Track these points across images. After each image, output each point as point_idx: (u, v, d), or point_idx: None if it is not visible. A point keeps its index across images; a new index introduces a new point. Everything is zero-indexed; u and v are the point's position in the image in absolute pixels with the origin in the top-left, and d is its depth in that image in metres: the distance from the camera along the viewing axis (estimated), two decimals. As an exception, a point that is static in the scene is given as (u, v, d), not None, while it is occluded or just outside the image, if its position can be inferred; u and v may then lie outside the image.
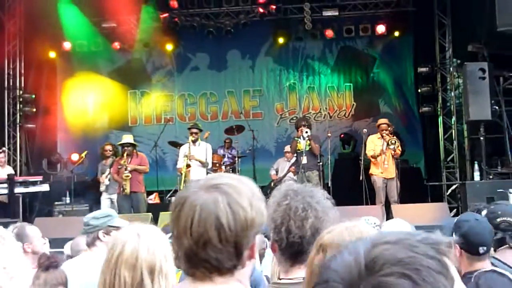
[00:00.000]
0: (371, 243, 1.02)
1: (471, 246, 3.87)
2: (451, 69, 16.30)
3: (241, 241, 1.77)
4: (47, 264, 3.51)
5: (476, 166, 13.00)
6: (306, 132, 12.95)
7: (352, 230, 2.20)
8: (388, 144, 12.82)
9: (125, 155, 12.71)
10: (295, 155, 13.46)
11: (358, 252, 1.01)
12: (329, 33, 17.40)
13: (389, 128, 13.21)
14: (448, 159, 16.39)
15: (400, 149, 13.19)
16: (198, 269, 1.77)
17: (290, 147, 13.72)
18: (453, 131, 16.23)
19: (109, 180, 13.74)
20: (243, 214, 1.77)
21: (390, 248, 1.00)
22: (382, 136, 12.98)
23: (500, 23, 10.92)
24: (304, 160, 12.93)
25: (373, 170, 13.02)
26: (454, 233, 3.94)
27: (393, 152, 12.84)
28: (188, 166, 12.94)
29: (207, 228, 1.73)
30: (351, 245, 1.04)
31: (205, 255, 1.75)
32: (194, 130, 13.26)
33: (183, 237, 1.76)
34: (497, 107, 12.99)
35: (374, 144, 13.08)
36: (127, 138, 13.07)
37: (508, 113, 13.32)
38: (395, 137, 13.09)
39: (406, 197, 12.84)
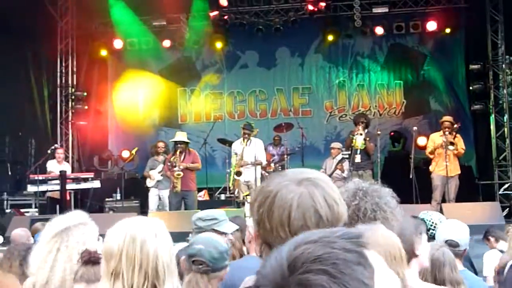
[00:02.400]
0: (294, 245, 1.08)
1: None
2: (503, 66, 16.05)
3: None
4: (87, 258, 3.56)
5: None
6: (363, 129, 12.86)
7: (368, 235, 2.19)
8: (446, 145, 12.56)
9: (177, 152, 12.75)
10: (348, 152, 13.38)
11: (281, 255, 1.07)
12: (379, 30, 17.28)
13: (454, 126, 12.90)
14: (501, 157, 16.15)
15: (464, 148, 12.94)
16: None
17: (345, 142, 13.62)
18: (506, 129, 15.98)
19: (162, 176, 13.86)
20: (336, 207, 1.78)
21: (310, 247, 1.06)
22: (444, 134, 12.73)
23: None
24: (357, 158, 12.84)
25: (433, 167, 12.81)
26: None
27: (455, 151, 12.61)
28: (238, 173, 12.98)
29: (307, 220, 1.72)
30: (277, 250, 1.09)
31: None
32: (246, 131, 13.22)
33: (279, 230, 1.74)
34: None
35: (434, 142, 12.83)
36: (180, 136, 13.11)
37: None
38: (457, 137, 12.79)
39: (458, 196, 12.68)
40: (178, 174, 12.51)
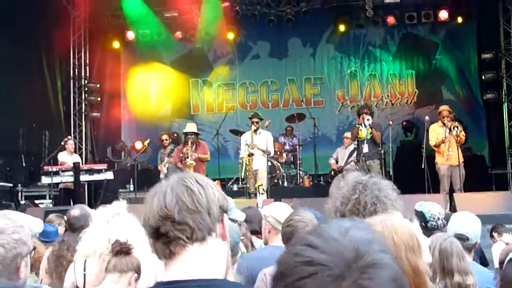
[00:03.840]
0: (340, 229, 1.13)
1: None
2: (516, 55, 15.98)
3: (212, 208, 1.88)
4: (118, 249, 3.63)
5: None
6: (368, 119, 12.84)
7: (386, 223, 2.23)
8: (450, 130, 12.60)
9: (189, 143, 12.84)
10: (355, 142, 13.40)
11: (335, 238, 1.11)
12: (391, 19, 17.24)
13: (451, 115, 12.98)
14: (514, 146, 16.10)
15: (464, 135, 12.97)
16: (173, 239, 1.85)
17: (351, 134, 13.65)
18: (518, 118, 15.93)
19: (167, 168, 13.92)
20: (208, 187, 1.90)
21: (359, 232, 1.13)
22: (444, 124, 12.78)
23: None
24: (365, 148, 12.83)
25: (438, 159, 12.83)
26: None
27: (456, 138, 12.62)
28: (250, 155, 13.04)
29: (180, 195, 1.85)
30: (317, 237, 1.12)
31: (180, 217, 1.84)
32: (255, 120, 13.32)
33: (157, 212, 1.86)
34: None
35: (436, 133, 12.87)
36: (191, 127, 13.22)
37: None
38: (456, 123, 12.86)
39: (470, 185, 12.66)
40: (191, 163, 12.60)
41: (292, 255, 1.11)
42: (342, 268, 1.05)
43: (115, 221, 3.88)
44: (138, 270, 3.68)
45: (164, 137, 14.85)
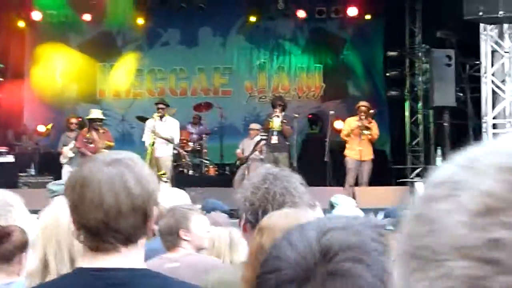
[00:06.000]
0: (320, 229, 1.07)
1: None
2: (419, 54, 16.44)
3: (148, 209, 1.86)
4: None
5: (439, 152, 13.20)
6: (279, 111, 13.00)
7: (290, 216, 2.28)
8: (361, 130, 12.86)
9: (94, 129, 12.67)
10: (263, 134, 13.52)
11: (309, 239, 1.05)
12: (301, 13, 17.42)
13: (369, 112, 13.24)
14: (414, 143, 16.60)
15: (377, 133, 13.27)
16: (106, 240, 1.84)
17: (263, 125, 13.76)
18: (419, 115, 16.43)
19: (73, 152, 13.67)
20: (146, 184, 1.87)
21: (340, 234, 1.06)
22: (360, 119, 13.03)
23: (467, 12, 11.06)
24: (274, 139, 12.98)
25: (347, 151, 13.07)
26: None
27: (369, 136, 12.91)
28: (153, 144, 12.97)
29: (118, 198, 1.81)
30: (297, 233, 1.08)
31: (116, 224, 1.82)
32: (161, 106, 13.29)
33: (92, 212, 1.82)
34: (462, 94, 13.19)
35: (349, 126, 13.11)
36: (96, 113, 13.03)
37: (472, 100, 13.50)
38: (372, 124, 13.11)
39: (372, 179, 12.99)
40: (103, 152, 12.42)
41: (272, 246, 1.10)
42: (305, 270, 1.02)
43: None
44: (23, 248, 3.56)
45: (73, 120, 14.57)
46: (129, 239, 1.85)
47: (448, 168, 0.60)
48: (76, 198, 1.85)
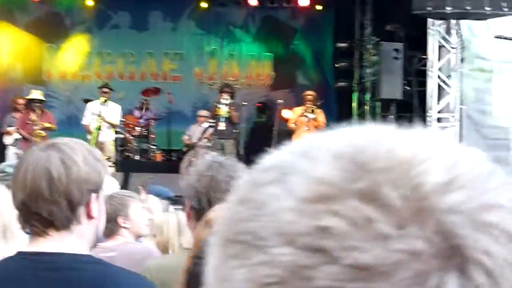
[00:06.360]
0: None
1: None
2: (368, 46, 16.58)
3: (73, 195, 1.85)
4: None
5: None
6: (226, 98, 12.98)
7: None
8: (306, 114, 12.98)
9: (36, 111, 12.48)
10: (211, 121, 13.51)
11: None
12: (252, 1, 17.38)
13: (315, 101, 13.36)
14: (360, 134, 16.75)
15: (324, 121, 13.37)
16: (32, 224, 1.86)
17: (210, 111, 13.74)
18: (367, 107, 16.60)
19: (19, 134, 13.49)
20: (75, 169, 1.86)
21: None
22: (306, 107, 13.13)
23: (415, 6, 11.20)
24: (221, 126, 13.00)
25: (294, 139, 13.13)
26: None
27: (315, 123, 13.01)
28: (99, 128, 12.84)
29: (38, 181, 1.83)
30: None
31: (36, 207, 1.84)
32: (105, 90, 13.17)
33: (18, 195, 1.86)
34: (408, 87, 13.38)
35: (297, 115, 13.20)
36: (35, 94, 12.83)
37: (419, 93, 13.71)
38: (319, 110, 13.23)
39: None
40: (40, 133, 12.26)
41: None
42: None
43: None
44: None
45: (20, 101, 14.33)
46: (54, 224, 1.84)
47: (280, 153, 0.58)
48: (11, 181, 1.88)
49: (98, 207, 1.93)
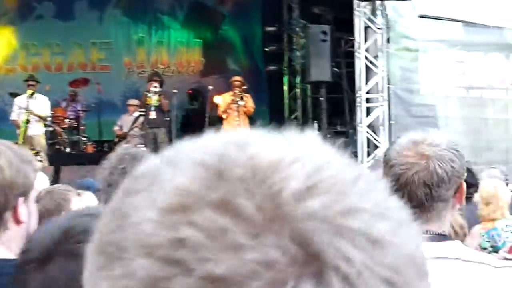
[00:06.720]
0: (71, 216, 1.15)
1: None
2: (297, 29, 16.65)
3: None
4: None
5: (315, 125, 13.49)
6: (155, 87, 12.90)
7: None
8: (238, 100, 13.01)
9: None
10: (143, 109, 13.41)
11: (58, 222, 1.13)
12: (179, -13, 17.31)
13: (243, 87, 13.41)
14: (292, 116, 16.86)
15: (252, 106, 13.42)
16: None
17: (140, 100, 13.63)
18: (297, 90, 16.69)
19: None
20: (6, 172, 1.79)
21: (84, 220, 1.12)
22: (234, 93, 13.16)
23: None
24: (152, 115, 12.92)
25: (225, 126, 13.17)
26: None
27: (244, 109, 13.05)
28: (28, 121, 12.59)
29: None
30: (53, 221, 1.15)
31: None
32: (31, 83, 12.91)
33: None
34: (337, 69, 13.51)
35: (225, 102, 13.22)
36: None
37: (347, 74, 13.86)
38: (246, 95, 13.29)
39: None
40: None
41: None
42: (46, 250, 1.10)
43: None
44: None
45: None
46: None
47: (152, 161, 0.58)
48: None
49: (27, 210, 1.87)
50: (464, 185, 2.04)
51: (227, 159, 0.53)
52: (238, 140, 0.55)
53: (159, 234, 0.50)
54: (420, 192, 1.93)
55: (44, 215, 3.92)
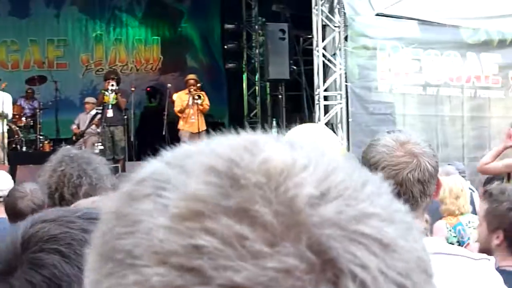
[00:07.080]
0: (31, 222, 1.08)
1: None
2: (256, 27, 16.67)
3: None
4: None
5: (274, 123, 13.53)
6: (113, 85, 12.82)
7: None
8: (193, 99, 12.97)
9: None
10: (100, 107, 13.31)
11: (17, 233, 1.07)
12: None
13: (197, 84, 13.38)
14: (252, 114, 16.89)
15: (208, 104, 13.40)
16: None
17: (97, 99, 13.53)
18: (257, 87, 16.72)
19: None
20: None
21: (46, 226, 1.07)
22: (190, 92, 13.13)
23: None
24: (109, 113, 12.82)
25: (180, 125, 13.14)
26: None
27: (200, 107, 13.02)
28: None
29: None
30: (11, 228, 1.13)
31: None
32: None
33: None
34: (295, 67, 13.55)
35: (181, 100, 13.18)
36: None
37: (306, 72, 13.91)
38: (202, 92, 13.26)
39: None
40: None
41: None
42: (7, 262, 1.04)
43: None
44: None
45: None
46: None
47: (155, 164, 0.56)
48: None
49: None
50: (441, 180, 2.16)
51: (241, 164, 0.52)
52: (246, 144, 0.55)
53: (173, 241, 0.49)
54: (415, 189, 2.03)
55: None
